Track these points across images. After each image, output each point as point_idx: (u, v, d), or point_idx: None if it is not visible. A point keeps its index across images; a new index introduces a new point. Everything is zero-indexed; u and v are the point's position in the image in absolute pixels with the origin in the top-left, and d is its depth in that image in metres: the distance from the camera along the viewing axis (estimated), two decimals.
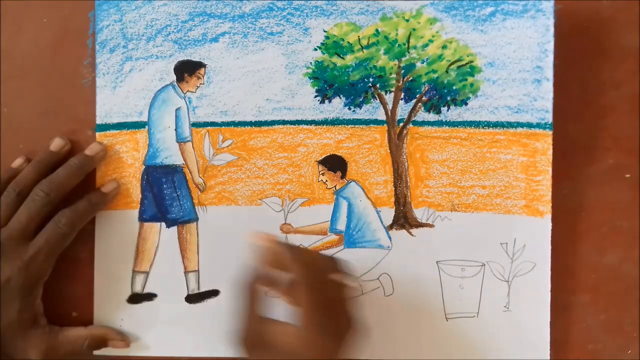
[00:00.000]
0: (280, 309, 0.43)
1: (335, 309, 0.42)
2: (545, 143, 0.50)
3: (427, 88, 0.50)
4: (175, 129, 0.51)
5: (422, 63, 0.50)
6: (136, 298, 0.51)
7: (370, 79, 0.50)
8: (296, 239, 0.51)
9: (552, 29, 0.49)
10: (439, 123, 0.50)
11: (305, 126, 0.51)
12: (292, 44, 0.50)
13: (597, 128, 0.51)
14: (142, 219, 0.51)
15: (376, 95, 0.51)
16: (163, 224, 0.51)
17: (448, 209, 0.50)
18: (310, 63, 0.51)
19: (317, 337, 0.40)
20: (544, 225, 0.50)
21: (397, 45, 0.50)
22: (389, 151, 0.51)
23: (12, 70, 0.51)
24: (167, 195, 0.51)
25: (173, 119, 0.51)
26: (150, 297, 0.51)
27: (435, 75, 0.50)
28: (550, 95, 0.49)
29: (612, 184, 0.51)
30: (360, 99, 0.51)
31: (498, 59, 0.50)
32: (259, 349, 0.41)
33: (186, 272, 0.51)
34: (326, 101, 0.51)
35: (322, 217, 0.51)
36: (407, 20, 0.50)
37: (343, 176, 0.51)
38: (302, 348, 0.40)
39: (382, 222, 0.51)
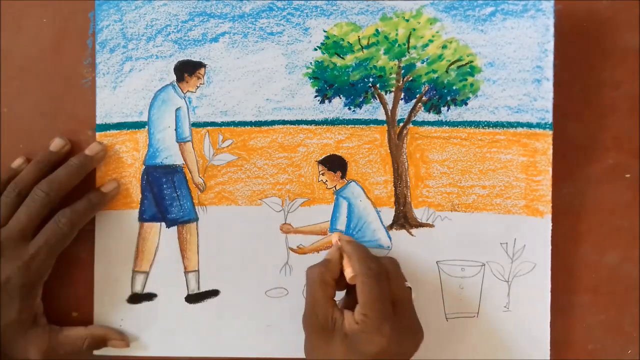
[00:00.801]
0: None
1: (400, 308, 0.45)
2: (545, 143, 0.50)
3: (427, 88, 0.50)
4: (175, 129, 0.51)
5: (422, 63, 0.50)
6: (136, 298, 0.51)
7: (370, 79, 0.50)
8: (296, 239, 0.51)
9: (552, 29, 0.49)
10: (439, 123, 0.50)
11: (305, 126, 0.51)
12: (292, 44, 0.50)
13: (597, 128, 0.51)
14: (142, 219, 0.51)
15: (376, 95, 0.51)
16: (163, 224, 0.51)
17: (448, 209, 0.50)
18: (310, 63, 0.51)
19: (382, 322, 0.43)
20: (544, 225, 0.50)
21: (397, 45, 0.50)
22: (389, 151, 0.51)
23: (12, 70, 0.51)
24: (167, 195, 0.51)
25: (173, 119, 0.51)
26: (150, 297, 0.51)
27: (435, 75, 0.50)
28: (550, 95, 0.49)
29: (612, 184, 0.51)
30: (360, 99, 0.51)
31: (498, 59, 0.50)
32: (327, 333, 0.44)
33: (186, 272, 0.51)
34: (326, 101, 0.51)
35: (322, 217, 0.51)
36: (407, 20, 0.50)
37: (343, 176, 0.51)
38: (367, 334, 0.43)
39: (382, 222, 0.51)
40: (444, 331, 0.50)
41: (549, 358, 0.50)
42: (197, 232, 0.51)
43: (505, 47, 0.50)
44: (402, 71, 0.50)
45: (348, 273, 0.46)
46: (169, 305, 0.51)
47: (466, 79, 0.50)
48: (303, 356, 0.50)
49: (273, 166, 0.51)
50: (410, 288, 0.46)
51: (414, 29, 0.50)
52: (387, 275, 0.45)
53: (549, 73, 0.49)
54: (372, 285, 0.44)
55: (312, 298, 0.45)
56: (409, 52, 0.50)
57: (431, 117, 0.50)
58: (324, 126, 0.51)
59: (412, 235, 0.50)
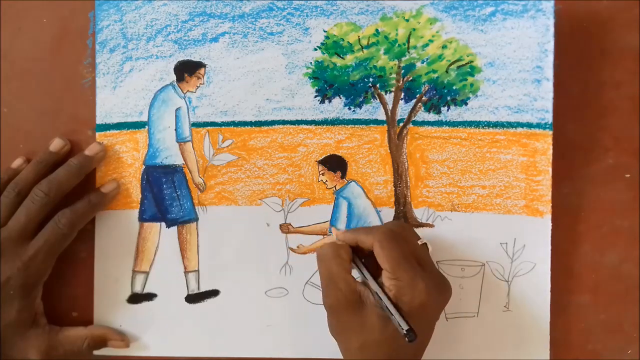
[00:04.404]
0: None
1: (423, 261, 0.44)
2: (545, 143, 0.50)
3: (427, 88, 0.50)
4: (175, 129, 0.51)
5: (422, 63, 0.50)
6: (136, 298, 0.51)
7: (370, 79, 0.50)
8: (296, 239, 0.51)
9: (552, 29, 0.49)
10: (439, 123, 0.50)
11: (305, 126, 0.51)
12: (292, 44, 0.50)
13: (597, 128, 0.51)
14: (142, 219, 0.51)
15: (376, 95, 0.51)
16: (163, 224, 0.51)
17: (448, 209, 0.50)
18: (310, 63, 0.51)
19: (414, 279, 0.42)
20: (544, 225, 0.50)
21: (397, 45, 0.50)
22: (389, 151, 0.51)
23: (12, 70, 0.51)
24: (167, 195, 0.51)
25: (173, 119, 0.51)
26: (150, 297, 0.51)
27: (435, 75, 0.50)
28: (550, 95, 0.49)
29: (612, 184, 0.51)
30: (360, 99, 0.51)
31: (498, 59, 0.50)
32: (355, 309, 0.43)
33: (186, 272, 0.51)
34: (326, 101, 0.51)
35: (322, 217, 0.51)
36: (407, 20, 0.50)
37: (343, 176, 0.51)
38: (402, 296, 0.42)
39: (382, 222, 0.51)
40: (444, 331, 0.50)
41: (548, 358, 0.50)
42: (197, 232, 0.51)
43: (505, 47, 0.50)
44: (402, 71, 0.50)
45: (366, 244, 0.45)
46: (169, 305, 0.51)
47: (466, 79, 0.50)
48: (303, 356, 0.50)
49: (273, 166, 0.51)
50: (426, 244, 0.46)
51: (414, 29, 0.50)
52: (401, 236, 0.44)
53: (549, 73, 0.49)
54: (392, 247, 0.43)
55: (330, 274, 0.44)
56: (409, 52, 0.50)
57: (431, 117, 0.50)
58: (324, 126, 0.51)
59: None
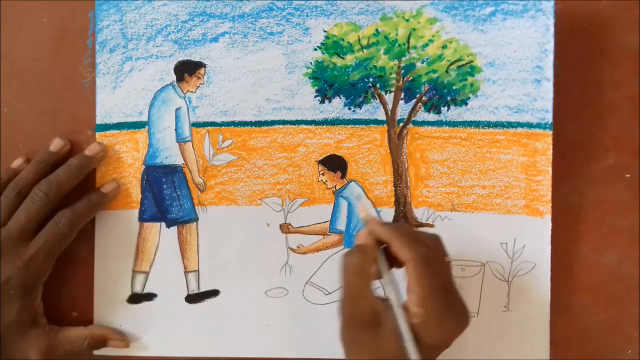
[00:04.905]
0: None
1: (450, 289, 0.42)
2: (545, 143, 0.50)
3: (427, 88, 0.50)
4: (175, 129, 0.51)
5: (422, 63, 0.50)
6: (136, 298, 0.51)
7: (370, 79, 0.50)
8: (296, 239, 0.51)
9: (552, 29, 0.49)
10: (439, 123, 0.50)
11: (305, 126, 0.51)
12: (292, 44, 0.50)
13: (597, 128, 0.51)
14: (142, 219, 0.51)
15: (376, 95, 0.51)
16: (163, 224, 0.51)
17: (448, 209, 0.50)
18: (310, 63, 0.51)
19: (445, 314, 0.40)
20: (544, 225, 0.50)
21: (397, 45, 0.50)
22: (389, 151, 0.51)
23: (12, 70, 0.51)
24: (167, 195, 0.51)
25: (173, 119, 0.51)
26: (150, 297, 0.51)
27: (435, 75, 0.50)
28: (550, 95, 0.49)
29: (612, 184, 0.51)
30: (360, 99, 0.51)
31: (498, 59, 0.50)
32: (372, 327, 0.41)
33: (186, 272, 0.51)
34: (326, 101, 0.51)
35: (322, 217, 0.51)
36: (407, 20, 0.50)
37: (343, 176, 0.51)
38: (425, 328, 0.39)
39: None
40: None
41: (548, 358, 0.50)
42: (197, 232, 0.51)
43: (505, 47, 0.50)
44: (402, 71, 0.50)
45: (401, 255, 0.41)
46: (169, 305, 0.51)
47: (466, 79, 0.50)
48: (303, 356, 0.50)
49: (273, 166, 0.51)
50: (450, 262, 0.43)
51: (414, 29, 0.50)
52: (436, 258, 0.41)
53: (549, 73, 0.49)
54: (429, 275, 0.40)
55: (351, 290, 0.41)
56: (409, 52, 0.50)
57: (431, 117, 0.50)
58: (324, 126, 0.51)
59: None
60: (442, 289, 0.40)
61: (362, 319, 0.41)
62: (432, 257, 0.41)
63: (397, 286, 0.42)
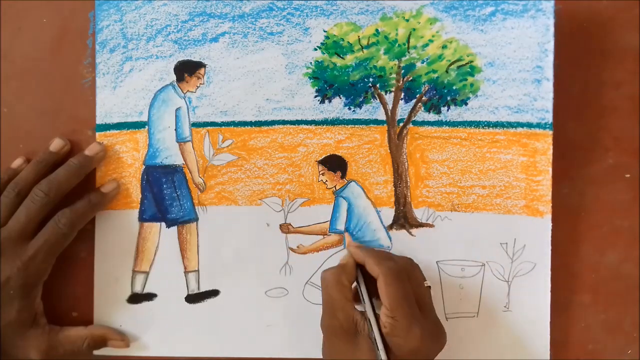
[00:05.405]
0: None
1: (421, 304, 0.44)
2: (545, 143, 0.50)
3: (427, 88, 0.50)
4: (175, 129, 0.51)
5: (422, 63, 0.50)
6: (136, 298, 0.51)
7: (370, 79, 0.50)
8: (296, 239, 0.51)
9: (552, 29, 0.49)
10: (439, 123, 0.50)
11: (305, 126, 0.51)
12: (292, 44, 0.50)
13: (597, 128, 0.51)
14: (142, 219, 0.51)
15: (376, 95, 0.51)
16: (163, 224, 0.51)
17: (448, 209, 0.50)
18: (310, 63, 0.51)
19: (411, 323, 0.42)
20: (544, 225, 0.50)
21: (397, 45, 0.50)
22: (389, 151, 0.51)
23: (12, 70, 0.52)
24: (167, 195, 0.51)
25: (173, 119, 0.51)
26: (150, 297, 0.51)
27: (435, 75, 0.50)
28: (550, 95, 0.49)
29: (612, 184, 0.51)
30: (360, 99, 0.51)
31: (498, 58, 0.50)
32: (350, 336, 0.43)
33: (186, 272, 0.51)
34: (326, 101, 0.51)
35: (322, 217, 0.51)
36: (407, 20, 0.50)
37: (343, 176, 0.51)
38: (394, 337, 0.42)
39: (382, 222, 0.51)
40: None
41: (549, 358, 0.50)
42: (197, 232, 0.51)
43: (505, 47, 0.50)
44: (402, 71, 0.50)
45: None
46: (169, 305, 0.51)
47: (466, 79, 0.50)
48: (303, 356, 0.50)
49: (273, 166, 0.51)
50: (429, 287, 0.46)
51: (414, 29, 0.50)
52: (407, 275, 0.44)
53: (549, 73, 0.49)
54: (396, 286, 0.43)
55: (330, 300, 0.44)
56: (409, 52, 0.50)
57: (431, 117, 0.50)
58: (324, 126, 0.51)
59: (412, 235, 0.50)
60: (409, 301, 0.43)
61: (340, 329, 0.44)
62: (399, 271, 0.44)
63: (373, 300, 0.45)
